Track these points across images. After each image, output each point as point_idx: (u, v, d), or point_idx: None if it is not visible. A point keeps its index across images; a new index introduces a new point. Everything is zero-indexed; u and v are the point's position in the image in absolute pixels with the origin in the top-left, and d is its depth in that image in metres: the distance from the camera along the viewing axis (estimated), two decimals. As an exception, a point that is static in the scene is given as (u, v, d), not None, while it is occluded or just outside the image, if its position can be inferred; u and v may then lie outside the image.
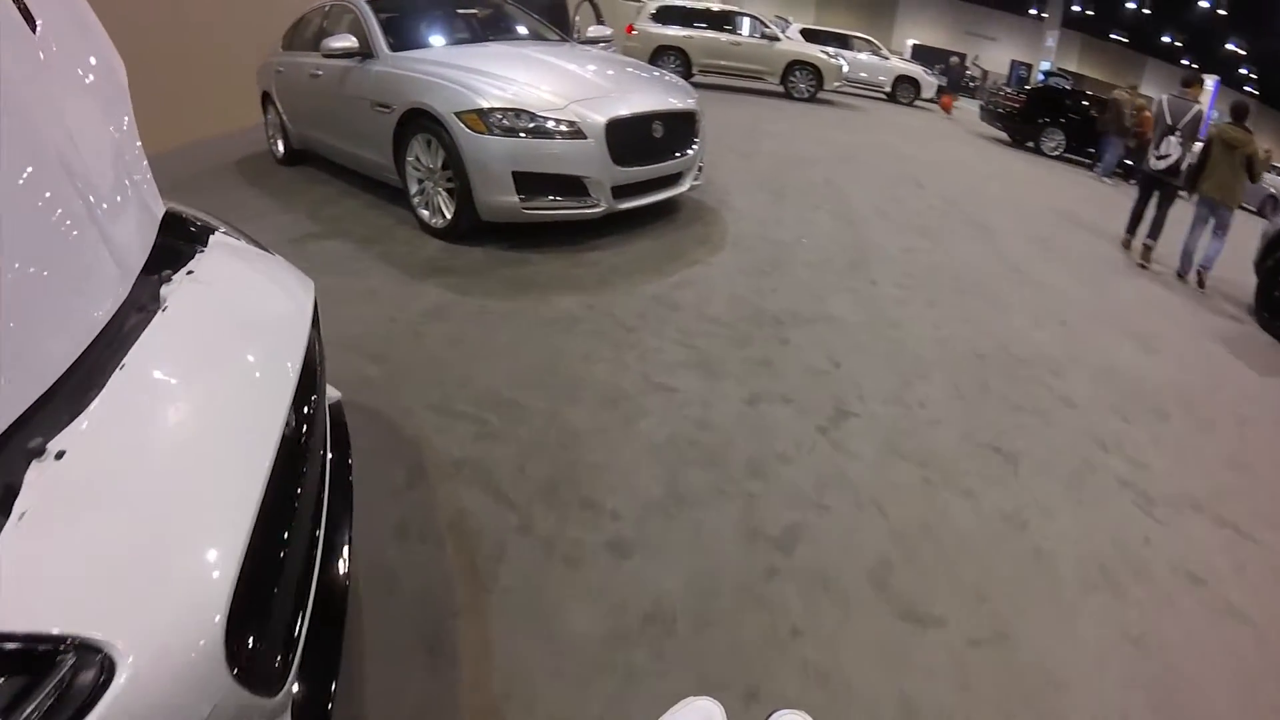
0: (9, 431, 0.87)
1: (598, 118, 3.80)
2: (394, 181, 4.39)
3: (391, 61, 4.27)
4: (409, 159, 4.11)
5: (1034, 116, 12.72)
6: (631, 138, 3.97)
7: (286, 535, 1.07)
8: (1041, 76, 27.55)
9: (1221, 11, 28.18)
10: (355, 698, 1.50)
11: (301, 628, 1.06)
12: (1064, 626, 1.90)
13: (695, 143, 4.55)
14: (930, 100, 18.27)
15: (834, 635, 1.76)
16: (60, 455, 0.86)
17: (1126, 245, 6.35)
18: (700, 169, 4.77)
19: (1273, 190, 12.12)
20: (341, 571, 1.36)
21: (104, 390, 0.96)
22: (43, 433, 0.89)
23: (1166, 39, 32.36)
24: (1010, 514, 2.31)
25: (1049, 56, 30.40)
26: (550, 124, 3.71)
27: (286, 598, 1.05)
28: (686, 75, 11.95)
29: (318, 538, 1.23)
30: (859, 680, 1.65)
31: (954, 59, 28.66)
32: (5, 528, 0.77)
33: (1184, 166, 5.93)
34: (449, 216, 4.01)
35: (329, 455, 1.48)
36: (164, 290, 1.20)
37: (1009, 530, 2.24)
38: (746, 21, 13.39)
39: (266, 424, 1.08)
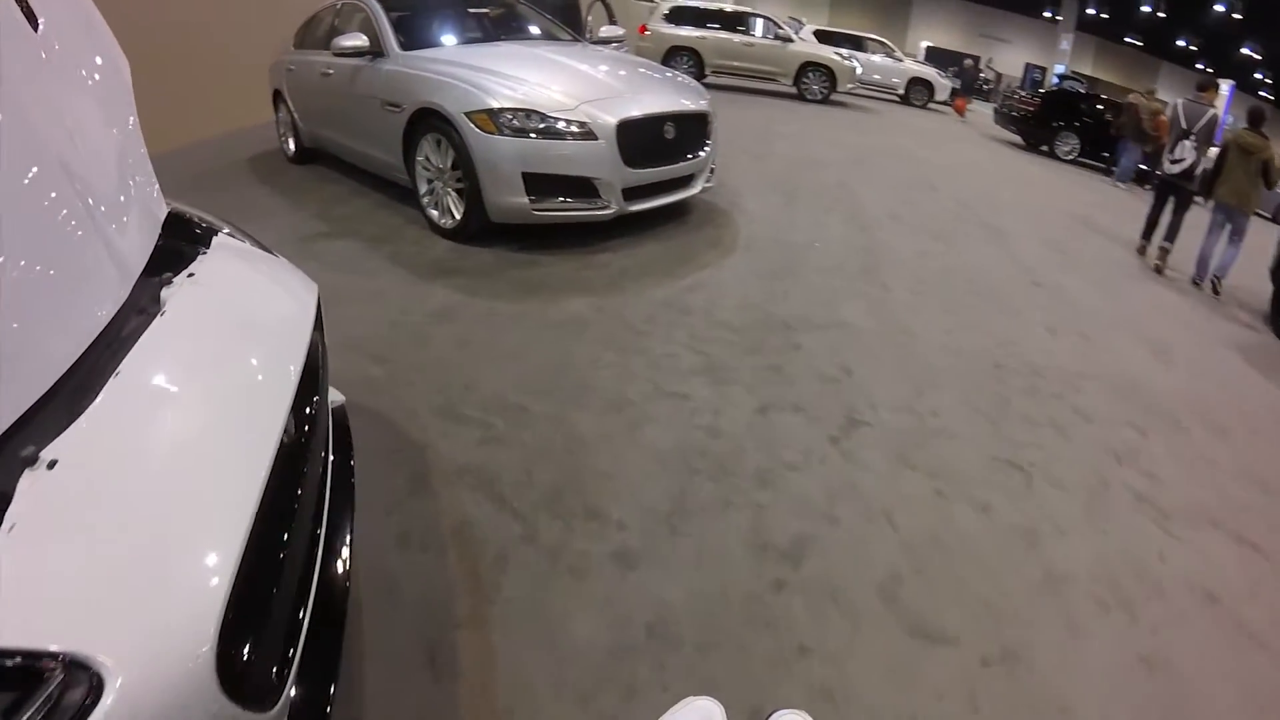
0: (3, 438, 0.85)
1: (609, 119, 3.78)
2: (404, 181, 4.38)
3: (402, 60, 4.26)
4: (419, 159, 4.10)
5: (1048, 120, 12.62)
6: (643, 139, 3.94)
7: (285, 540, 1.05)
8: (1056, 80, 27.38)
9: (1236, 16, 27.92)
10: (354, 707, 1.48)
11: (299, 638, 1.04)
12: (1076, 645, 1.85)
13: (707, 144, 4.51)
14: (944, 103, 18.19)
15: (842, 652, 1.72)
16: (52, 465, 0.85)
17: (1141, 251, 6.28)
18: (712, 171, 4.74)
19: (1290, 197, 11.97)
20: (341, 572, 1.34)
21: (99, 397, 0.94)
22: (35, 441, 0.87)
23: (1181, 43, 32.10)
24: (1023, 527, 2.27)
25: (1063, 60, 30.17)
26: (561, 125, 3.69)
27: (283, 607, 1.03)
28: (699, 76, 11.92)
29: (318, 541, 1.21)
30: (867, 701, 1.61)
31: (968, 61, 28.45)
32: (-5, 539, 0.75)
33: (1199, 171, 5.87)
34: (458, 217, 3.99)
35: (331, 458, 1.46)
36: (164, 293, 1.18)
37: (1021, 544, 2.20)
38: (760, 22, 13.36)
39: (265, 429, 1.06)
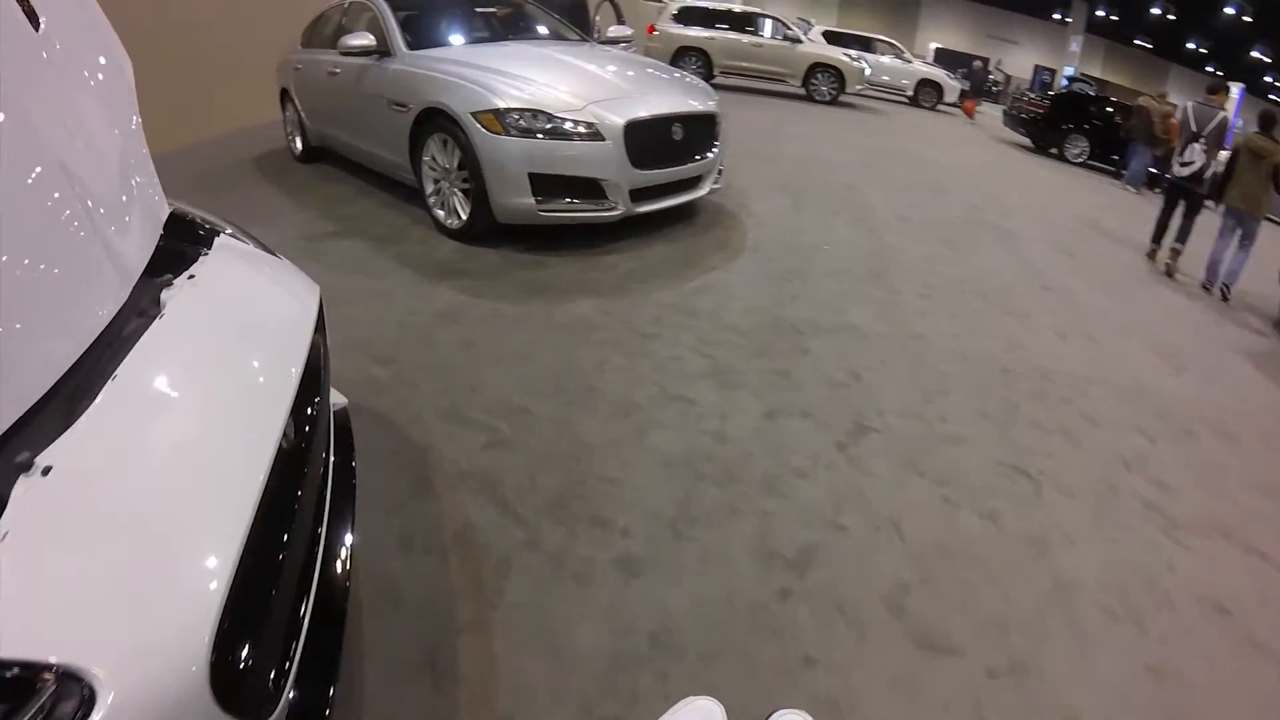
0: None
1: (616, 119, 3.76)
2: (410, 181, 4.37)
3: (409, 60, 4.26)
4: (425, 159, 4.09)
5: (1058, 122, 12.54)
6: (650, 140, 3.92)
7: (283, 543, 1.04)
8: (1065, 82, 27.25)
9: (1247, 19, 27.78)
10: (353, 710, 1.46)
11: (297, 643, 1.03)
12: (1084, 657, 1.83)
13: (715, 145, 4.49)
14: (953, 104, 18.09)
15: (847, 662, 1.70)
16: (47, 471, 0.84)
17: (1151, 255, 6.23)
18: (720, 172, 4.71)
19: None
20: (341, 573, 1.33)
21: (94, 402, 0.93)
22: (31, 446, 0.86)
23: (1191, 46, 31.94)
24: (1031, 537, 2.24)
25: (1073, 62, 30.04)
26: (568, 125, 3.67)
27: (282, 611, 1.02)
28: (708, 77, 11.89)
29: (318, 544, 1.19)
30: (872, 712, 1.59)
31: (977, 63, 28.31)
32: (-13, 547, 0.74)
33: (1208, 174, 5.82)
34: (464, 217, 3.98)
35: (332, 460, 1.45)
36: (164, 295, 1.17)
37: (1030, 554, 2.17)
38: (769, 23, 13.33)
39: (263, 433, 1.05)
